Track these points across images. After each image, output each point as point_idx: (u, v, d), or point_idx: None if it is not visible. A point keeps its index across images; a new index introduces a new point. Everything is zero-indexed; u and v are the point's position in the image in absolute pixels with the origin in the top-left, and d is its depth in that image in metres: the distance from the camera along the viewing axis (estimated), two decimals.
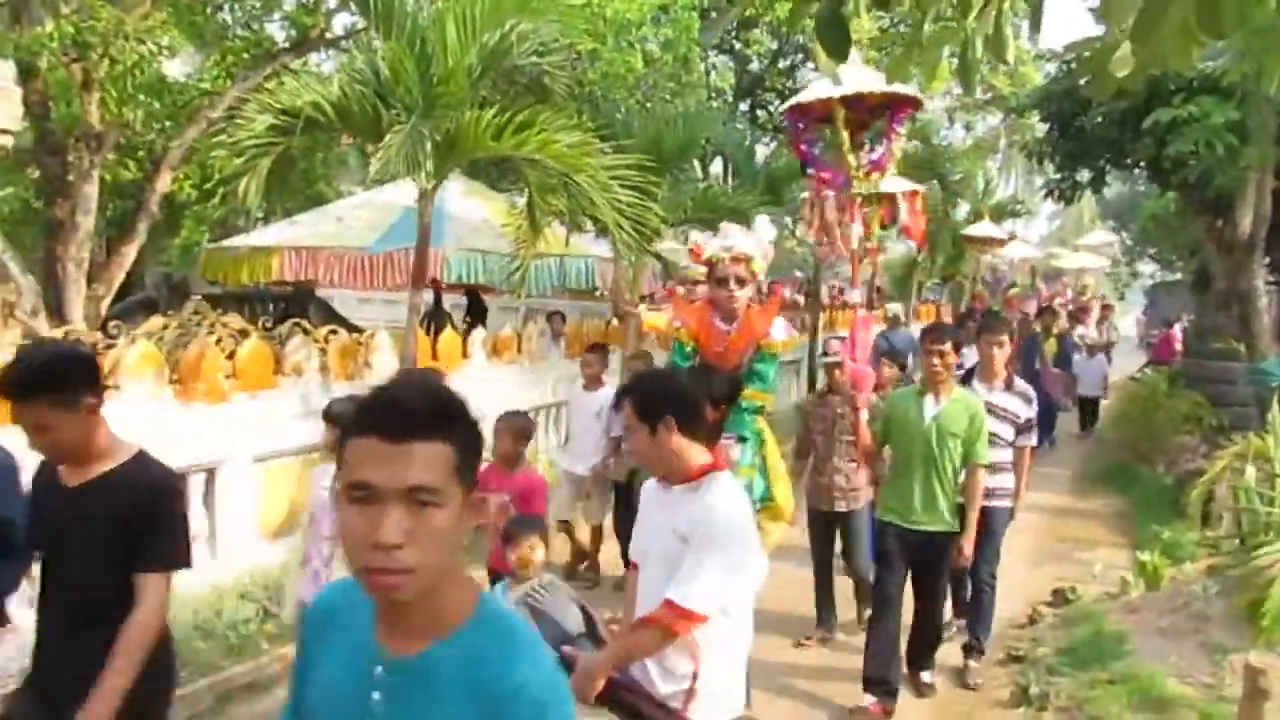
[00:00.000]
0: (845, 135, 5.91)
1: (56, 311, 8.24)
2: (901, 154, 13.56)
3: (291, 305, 11.12)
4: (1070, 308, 17.28)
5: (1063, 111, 10.24)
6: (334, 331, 7.04)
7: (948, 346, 4.43)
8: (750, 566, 2.64)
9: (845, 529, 5.40)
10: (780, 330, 4.14)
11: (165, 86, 10.68)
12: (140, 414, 5.11)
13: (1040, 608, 5.95)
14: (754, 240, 4.15)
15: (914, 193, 6.34)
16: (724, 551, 2.47)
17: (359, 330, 8.28)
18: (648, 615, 2.57)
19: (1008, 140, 22.43)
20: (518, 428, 4.59)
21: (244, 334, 6.26)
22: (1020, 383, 5.12)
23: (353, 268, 8.70)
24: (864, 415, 5.09)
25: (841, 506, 5.32)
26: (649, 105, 11.67)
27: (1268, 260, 10.50)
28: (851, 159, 5.89)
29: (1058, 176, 11.38)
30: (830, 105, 5.90)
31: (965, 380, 5.07)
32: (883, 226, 6.23)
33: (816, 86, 6.31)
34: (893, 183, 6.54)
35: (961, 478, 4.50)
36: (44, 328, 7.28)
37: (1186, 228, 14.43)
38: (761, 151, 16.00)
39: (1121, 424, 11.67)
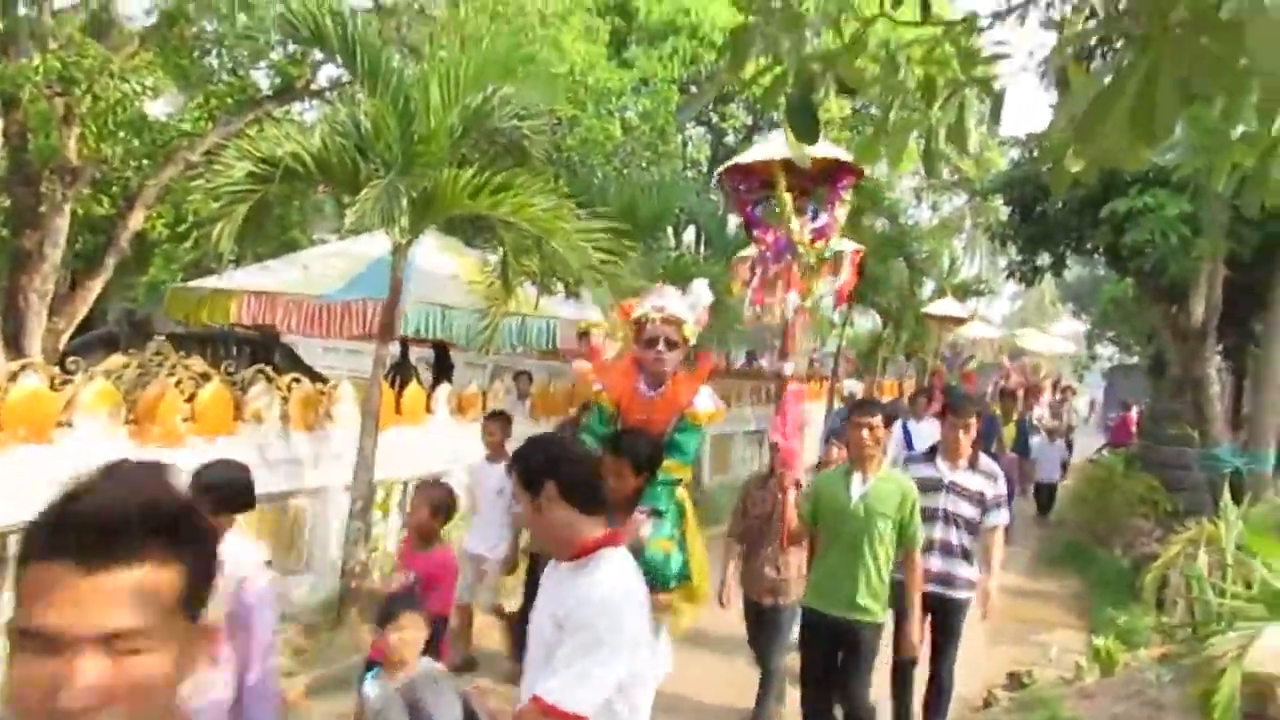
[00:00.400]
0: (788, 199, 5.61)
1: (14, 343, 8.11)
2: (846, 224, 13.73)
3: (257, 349, 11.02)
4: (1023, 387, 17.49)
5: (1024, 197, 10.59)
6: (297, 380, 6.98)
7: (877, 420, 4.24)
8: (643, 660, 2.31)
9: (770, 621, 5.06)
10: (706, 400, 3.89)
11: (145, 125, 10.70)
12: (93, 453, 5.02)
13: (996, 691, 5.93)
14: (688, 303, 3.95)
15: (856, 251, 6.05)
16: (605, 641, 2.15)
17: (322, 379, 8.21)
18: (516, 713, 2.31)
19: (972, 221, 23.01)
20: (436, 500, 4.14)
21: (206, 377, 6.18)
22: (985, 460, 4.91)
23: (311, 315, 8.56)
24: (792, 496, 4.81)
25: (768, 600, 5.00)
26: (625, 172, 11.88)
27: (1220, 348, 10.81)
28: (794, 224, 5.61)
29: (1019, 259, 11.71)
30: (771, 168, 5.63)
31: (929, 457, 4.91)
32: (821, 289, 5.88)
33: (757, 149, 6.04)
34: (838, 243, 6.30)
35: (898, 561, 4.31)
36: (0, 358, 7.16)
37: (1143, 313, 14.84)
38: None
39: (1079, 505, 11.81)
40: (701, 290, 4.04)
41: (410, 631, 3.06)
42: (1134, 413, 17.10)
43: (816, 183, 5.77)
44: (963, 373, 15.23)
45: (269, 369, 6.90)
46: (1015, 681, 6.05)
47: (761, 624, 5.06)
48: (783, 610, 4.92)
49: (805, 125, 3.08)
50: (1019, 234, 11.08)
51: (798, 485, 4.94)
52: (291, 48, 10.54)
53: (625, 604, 2.23)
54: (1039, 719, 5.28)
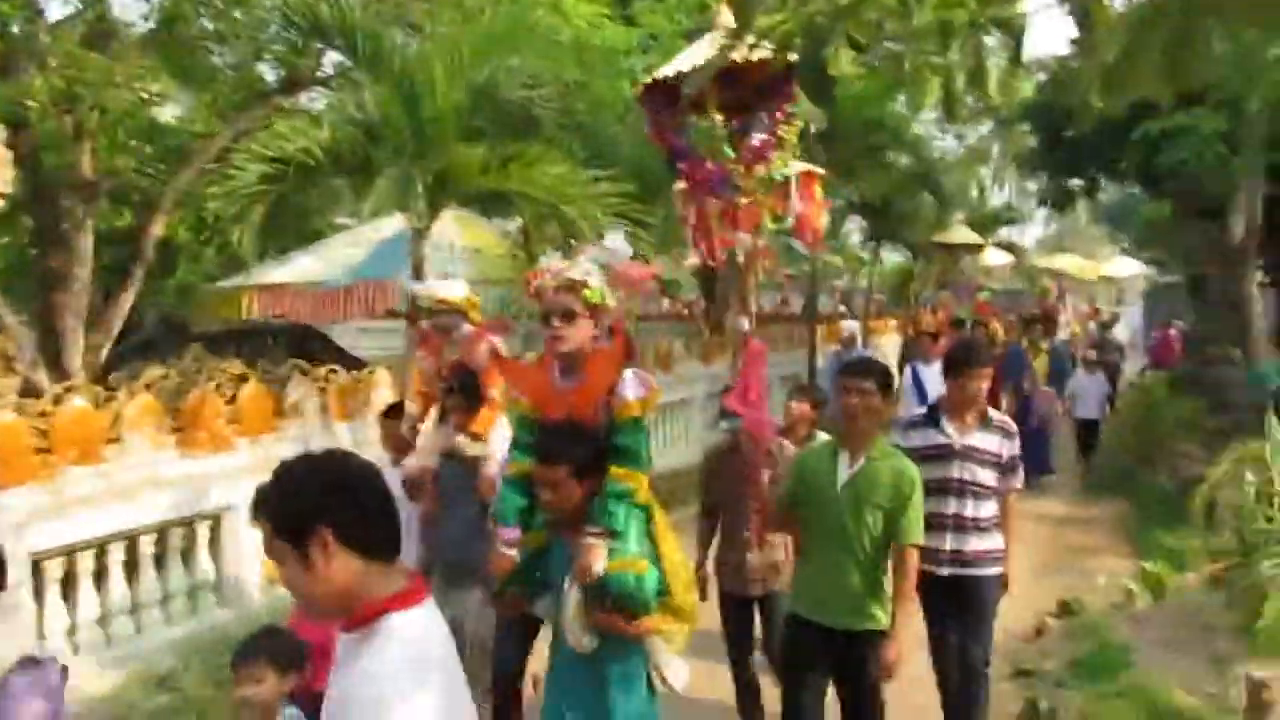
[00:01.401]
0: (719, 120, 4.24)
1: (56, 363, 8.24)
2: (868, 158, 12.78)
3: (293, 340, 11.15)
4: (1035, 312, 15.27)
5: (1052, 122, 10.34)
6: (334, 370, 7.05)
7: (870, 384, 3.44)
8: None
9: (764, 613, 4.27)
10: (632, 386, 3.13)
11: (156, 131, 10.73)
12: (143, 466, 5.14)
13: (1046, 620, 5.93)
14: (593, 263, 3.27)
15: (809, 174, 4.59)
16: None
17: (361, 364, 8.30)
18: None
19: (1000, 149, 22.46)
20: None
21: (244, 378, 6.27)
22: (996, 414, 4.14)
23: (315, 303, 9.03)
24: (765, 475, 4.00)
25: (757, 590, 4.20)
26: (638, 130, 11.74)
27: (1262, 266, 10.58)
28: (728, 150, 4.27)
29: (1050, 185, 11.48)
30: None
31: (930, 419, 4.08)
32: (775, 219, 4.44)
33: (681, 58, 4.51)
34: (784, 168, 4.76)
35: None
36: (44, 379, 7.29)
37: (1182, 233, 14.49)
38: None
39: (1122, 430, 11.68)
40: (615, 244, 3.42)
41: (250, 686, 2.54)
42: (1174, 331, 16.65)
43: (759, 97, 4.44)
44: (976, 304, 12.99)
45: (304, 362, 6.98)
46: (1065, 610, 6.03)
47: (744, 618, 4.30)
48: (778, 596, 4.12)
49: (815, 83, 3.00)
50: (1048, 160, 10.84)
51: (770, 459, 4.07)
52: (291, 37, 10.49)
53: (415, 687, 1.59)
54: (1091, 646, 5.31)
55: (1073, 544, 7.91)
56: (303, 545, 1.59)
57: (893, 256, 23.60)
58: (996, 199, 24.27)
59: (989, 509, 3.99)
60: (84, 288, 8.45)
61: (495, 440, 4.06)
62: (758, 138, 4.36)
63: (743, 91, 4.37)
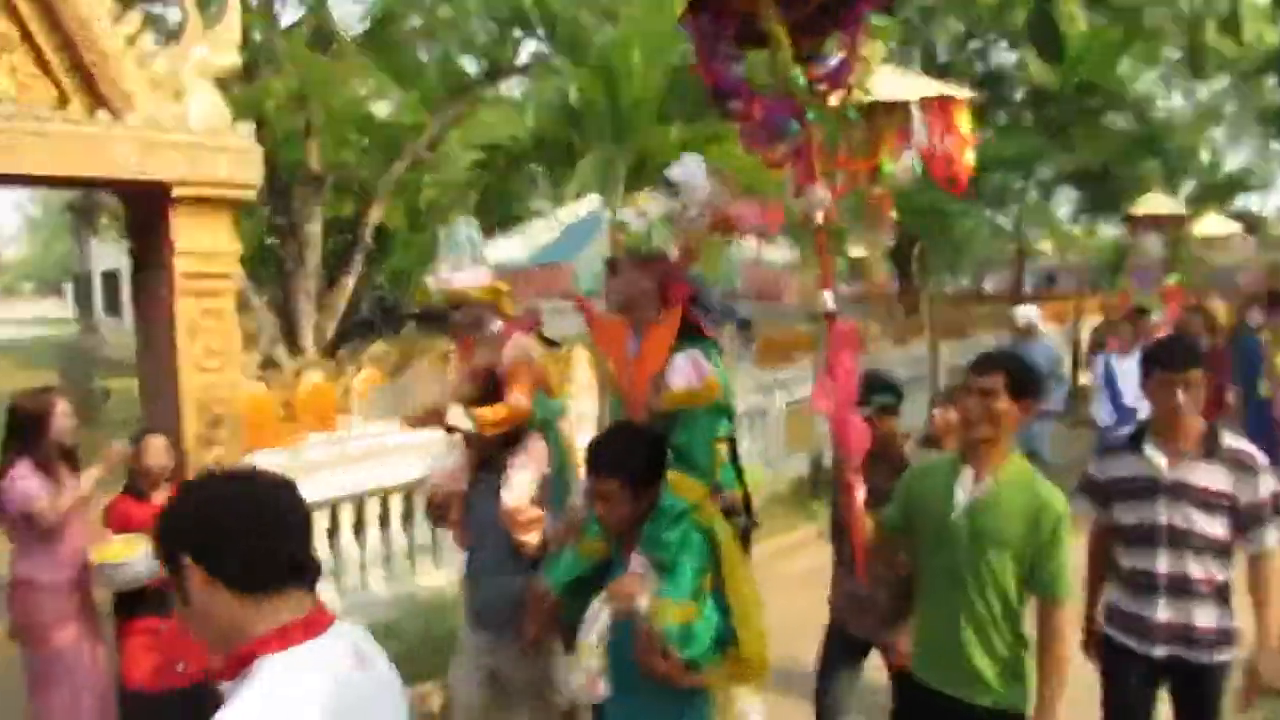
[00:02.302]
0: (785, 42, 2.82)
1: (290, 340, 9.11)
2: (1083, 126, 11.27)
3: None
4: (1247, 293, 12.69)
5: None
6: None
7: (998, 383, 2.60)
8: None
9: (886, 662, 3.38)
10: (680, 373, 2.51)
11: (372, 125, 11.56)
12: (371, 436, 5.57)
13: None
14: (663, 201, 2.61)
15: (944, 101, 3.23)
16: None
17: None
18: None
19: (1239, 105, 20.00)
20: None
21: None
22: (1231, 440, 2.94)
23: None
24: (860, 495, 2.80)
25: (881, 635, 3.34)
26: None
27: None
28: (799, 79, 2.88)
29: None
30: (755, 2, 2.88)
31: (1134, 443, 3.02)
32: (893, 158, 3.14)
33: None
34: (897, 84, 3.29)
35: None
36: (282, 355, 8.08)
37: None
38: None
39: None
40: (685, 169, 2.58)
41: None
42: None
43: (830, 19, 3.02)
44: (1162, 291, 10.53)
45: None
46: None
47: (848, 651, 3.47)
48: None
49: (1047, 41, 2.77)
50: None
51: (871, 475, 3.00)
52: (493, 29, 10.95)
53: None
54: None
55: None
56: (179, 577, 1.38)
57: (1109, 230, 21.82)
58: (1232, 162, 21.84)
59: (1223, 569, 2.91)
60: (313, 272, 9.28)
61: (518, 470, 3.43)
62: (833, 60, 3.06)
63: (809, 12, 2.99)
